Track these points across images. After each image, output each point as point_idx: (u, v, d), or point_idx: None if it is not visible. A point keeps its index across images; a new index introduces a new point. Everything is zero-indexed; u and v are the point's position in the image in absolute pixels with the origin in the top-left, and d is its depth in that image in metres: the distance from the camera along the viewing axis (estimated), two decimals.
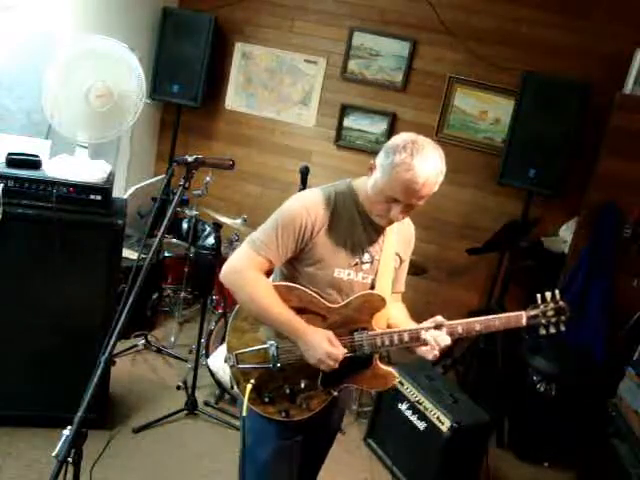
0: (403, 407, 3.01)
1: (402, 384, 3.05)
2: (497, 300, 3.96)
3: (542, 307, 1.83)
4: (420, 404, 2.91)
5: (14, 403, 2.74)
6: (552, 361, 3.39)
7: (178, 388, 3.38)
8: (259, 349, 1.78)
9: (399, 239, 1.86)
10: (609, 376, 3.29)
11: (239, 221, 3.61)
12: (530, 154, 3.78)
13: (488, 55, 4.14)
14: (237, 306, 1.82)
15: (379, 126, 4.42)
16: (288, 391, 1.79)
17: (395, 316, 1.89)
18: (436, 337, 1.73)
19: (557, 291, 1.85)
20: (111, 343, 1.49)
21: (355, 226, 1.76)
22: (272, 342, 1.76)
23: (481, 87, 4.22)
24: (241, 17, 4.57)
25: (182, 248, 4.23)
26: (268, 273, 1.81)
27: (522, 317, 1.82)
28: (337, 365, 1.70)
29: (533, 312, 1.83)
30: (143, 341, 3.76)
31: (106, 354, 1.49)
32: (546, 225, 4.07)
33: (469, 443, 2.86)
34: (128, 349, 3.67)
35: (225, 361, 1.85)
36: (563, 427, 3.37)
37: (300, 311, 1.74)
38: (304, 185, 3.31)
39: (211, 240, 4.44)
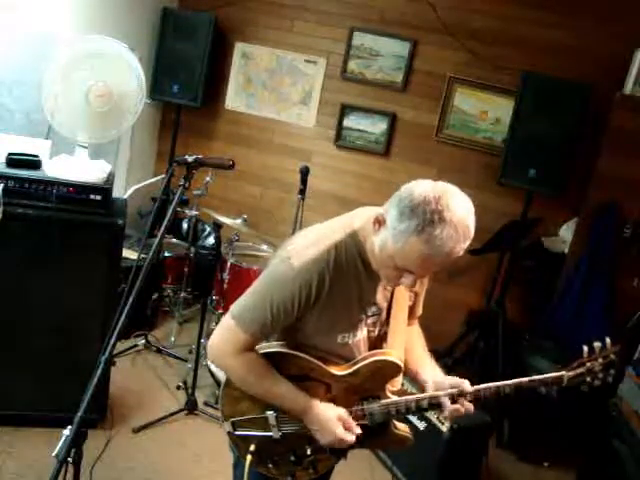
0: None
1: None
2: (497, 300, 3.96)
3: (589, 364, 1.57)
4: None
5: (14, 403, 2.74)
6: (552, 361, 3.39)
7: (178, 388, 3.38)
8: (257, 418, 1.57)
9: None
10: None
11: (239, 221, 3.62)
12: (530, 154, 3.78)
13: (488, 55, 4.14)
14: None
15: (379, 126, 4.42)
16: (293, 458, 1.61)
17: (412, 350, 1.71)
18: (457, 409, 1.54)
19: (608, 340, 1.58)
20: (111, 343, 1.49)
21: (359, 279, 1.48)
22: (271, 412, 1.56)
23: (481, 87, 4.22)
24: (241, 17, 4.57)
25: (182, 248, 4.24)
26: None
27: (563, 379, 1.57)
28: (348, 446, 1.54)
29: (578, 371, 1.57)
30: (143, 341, 3.76)
31: (106, 354, 1.49)
32: (546, 225, 4.07)
33: (469, 443, 2.86)
34: (128, 349, 3.67)
35: (220, 425, 1.67)
36: (563, 427, 3.37)
37: (300, 379, 1.52)
38: (304, 185, 3.32)
39: (211, 240, 4.44)
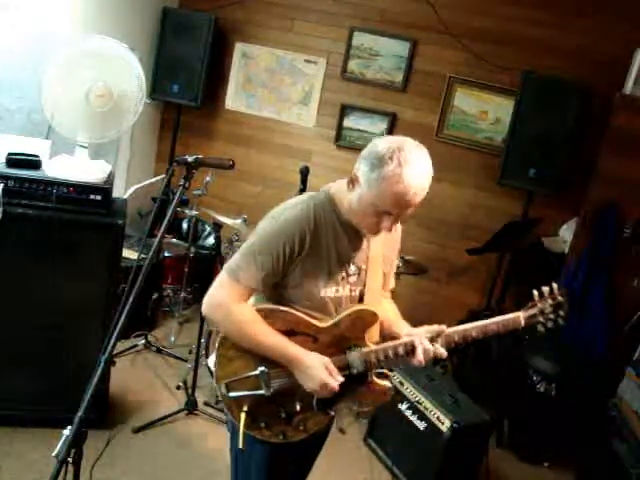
0: (403, 407, 3.01)
1: (402, 384, 3.05)
2: (497, 300, 3.96)
3: (540, 305, 1.80)
4: (420, 404, 2.91)
5: (14, 403, 2.74)
6: (552, 361, 3.39)
7: (178, 388, 3.38)
8: (248, 376, 1.67)
9: (385, 240, 1.77)
10: (609, 376, 3.29)
11: (239, 221, 3.61)
12: (530, 154, 3.78)
13: (488, 55, 4.14)
14: (220, 335, 1.72)
15: (379, 126, 4.42)
16: (284, 415, 1.71)
17: (387, 315, 1.84)
18: (427, 351, 1.67)
19: (555, 285, 1.81)
20: (111, 343, 1.49)
21: (338, 238, 1.67)
22: (262, 368, 1.66)
23: (481, 87, 4.22)
24: (241, 17, 4.57)
25: (182, 248, 4.24)
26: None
27: (520, 319, 1.79)
28: (332, 395, 1.64)
29: (531, 312, 1.80)
30: (143, 341, 3.76)
31: (106, 354, 1.49)
32: (546, 225, 4.07)
33: (469, 443, 2.86)
34: (128, 349, 3.67)
35: (215, 390, 1.77)
36: (563, 427, 3.37)
37: (288, 334, 1.65)
38: (304, 185, 3.31)
39: (211, 240, 4.45)
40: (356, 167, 1.59)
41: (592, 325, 3.54)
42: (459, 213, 4.34)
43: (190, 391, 3.23)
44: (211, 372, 3.28)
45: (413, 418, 2.95)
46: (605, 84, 3.74)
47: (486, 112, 4.25)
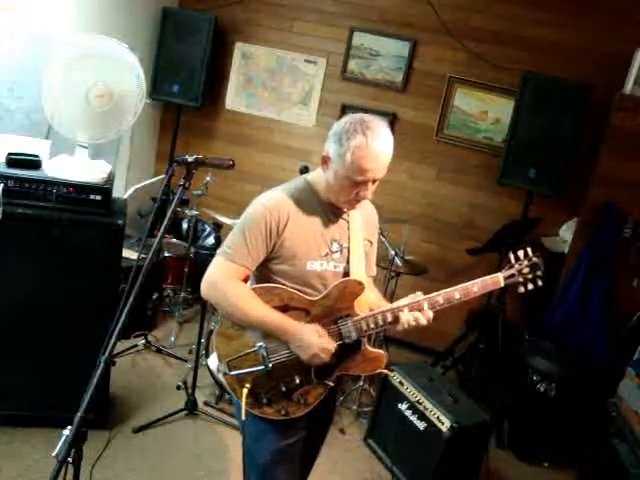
0: (403, 407, 3.01)
1: (402, 384, 3.05)
2: (497, 300, 3.95)
3: (517, 266, 1.93)
4: (420, 404, 2.91)
5: (14, 403, 2.74)
6: (552, 361, 3.39)
7: (178, 388, 3.38)
8: (248, 353, 1.77)
9: (363, 223, 1.89)
10: (609, 376, 3.29)
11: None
12: (530, 154, 3.78)
13: (488, 55, 4.14)
14: (220, 315, 1.83)
15: None
16: (284, 389, 1.79)
17: (372, 300, 1.92)
18: (417, 318, 1.78)
19: (529, 248, 1.95)
20: (111, 343, 1.49)
21: (318, 217, 1.79)
22: (260, 344, 1.76)
23: (481, 87, 4.22)
24: (241, 17, 4.57)
25: (182, 248, 4.24)
26: (245, 280, 1.81)
27: (499, 278, 1.91)
28: (329, 358, 1.73)
29: (509, 272, 1.93)
30: (143, 341, 3.76)
31: (106, 354, 1.49)
32: (546, 225, 4.07)
33: (469, 443, 2.86)
34: (128, 349, 3.67)
35: (217, 371, 1.83)
36: (563, 427, 3.37)
37: (282, 309, 1.75)
38: None
39: (211, 240, 4.44)
40: (325, 148, 1.75)
41: (592, 325, 3.54)
42: (459, 213, 4.34)
43: (190, 391, 3.23)
44: (211, 373, 3.28)
45: (413, 418, 2.95)
46: (605, 84, 3.74)
47: (486, 112, 4.25)
